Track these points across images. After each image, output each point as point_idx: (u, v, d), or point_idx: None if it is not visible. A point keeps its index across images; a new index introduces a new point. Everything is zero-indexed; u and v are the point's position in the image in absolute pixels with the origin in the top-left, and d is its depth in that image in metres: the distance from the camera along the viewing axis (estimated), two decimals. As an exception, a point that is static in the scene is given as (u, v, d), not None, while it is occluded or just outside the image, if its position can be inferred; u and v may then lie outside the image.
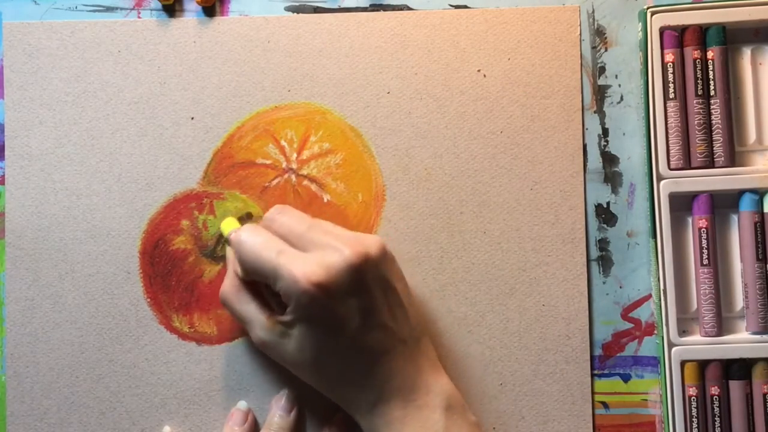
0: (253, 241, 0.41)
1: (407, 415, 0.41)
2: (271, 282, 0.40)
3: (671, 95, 0.46)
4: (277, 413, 0.46)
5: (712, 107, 0.46)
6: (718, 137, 0.46)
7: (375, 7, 0.48)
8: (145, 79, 0.48)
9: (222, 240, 0.47)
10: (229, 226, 0.45)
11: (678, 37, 0.46)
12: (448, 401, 0.42)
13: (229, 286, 0.43)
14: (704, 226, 0.46)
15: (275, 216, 0.43)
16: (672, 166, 0.46)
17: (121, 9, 0.48)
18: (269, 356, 0.43)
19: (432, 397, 0.41)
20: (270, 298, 0.43)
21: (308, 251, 0.40)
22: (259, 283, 0.43)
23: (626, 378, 0.47)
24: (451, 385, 0.43)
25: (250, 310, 0.43)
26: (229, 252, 0.44)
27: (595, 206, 0.48)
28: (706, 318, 0.46)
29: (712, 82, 0.46)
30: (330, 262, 0.39)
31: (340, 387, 0.42)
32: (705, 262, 0.46)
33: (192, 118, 0.48)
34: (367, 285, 0.40)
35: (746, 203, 0.46)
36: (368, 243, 0.41)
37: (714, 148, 0.46)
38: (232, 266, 0.44)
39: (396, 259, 0.43)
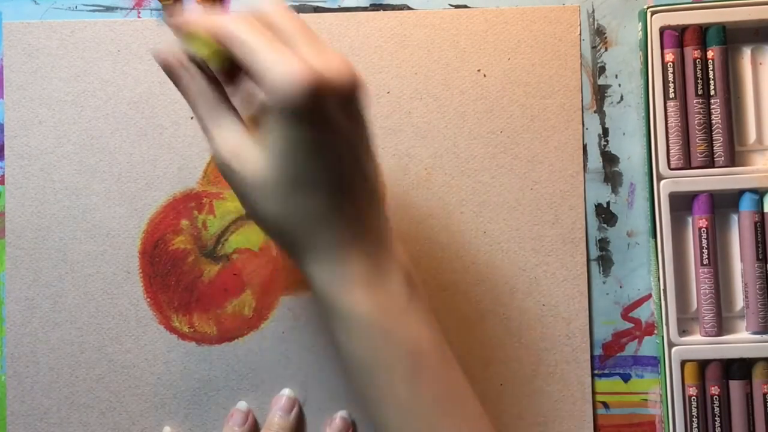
0: (245, 21, 0.34)
1: (372, 277, 0.36)
2: (262, 54, 0.33)
3: (671, 95, 0.46)
4: (277, 413, 0.46)
5: (712, 107, 0.46)
6: (718, 137, 0.46)
7: (375, 7, 0.48)
8: (145, 79, 0.48)
9: (221, 241, 0.47)
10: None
11: (678, 36, 0.46)
12: (408, 274, 0.37)
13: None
14: (704, 225, 0.46)
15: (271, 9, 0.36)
16: (672, 166, 0.46)
17: (121, 9, 0.48)
18: (228, 175, 0.35)
19: (396, 265, 0.36)
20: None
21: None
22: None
23: (626, 378, 0.47)
24: (410, 263, 0.38)
25: (217, 103, 0.36)
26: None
27: (595, 206, 0.48)
28: (706, 318, 0.46)
29: (712, 82, 0.46)
30: (340, 61, 0.33)
31: (308, 220, 0.35)
32: (705, 262, 0.46)
33: (192, 118, 0.48)
34: (360, 109, 0.35)
35: (746, 203, 0.46)
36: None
37: (714, 148, 0.46)
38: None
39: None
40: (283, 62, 0.32)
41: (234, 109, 0.36)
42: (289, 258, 0.37)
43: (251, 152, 0.34)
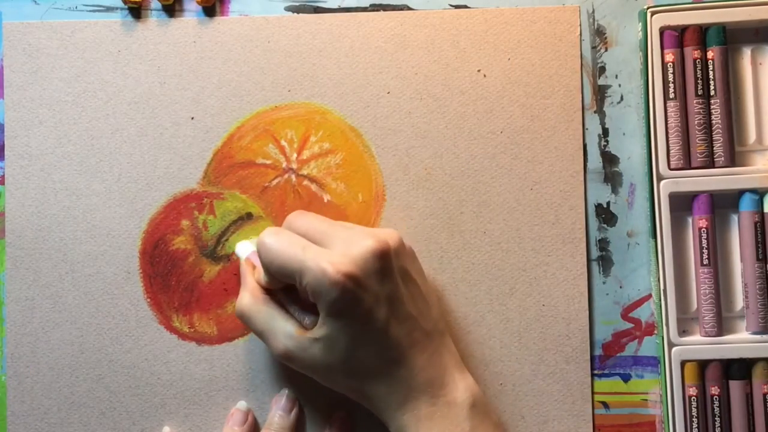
0: (277, 240, 0.41)
1: (436, 412, 0.41)
2: (298, 279, 0.40)
3: (671, 95, 0.46)
4: (277, 413, 0.46)
5: (712, 107, 0.46)
6: (718, 137, 0.46)
7: (375, 7, 0.48)
8: (145, 79, 0.48)
9: (221, 242, 0.47)
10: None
11: (678, 37, 0.46)
12: (473, 399, 0.42)
13: (249, 299, 0.43)
14: (704, 226, 0.46)
15: (295, 219, 0.44)
16: (672, 166, 0.46)
17: (121, 9, 0.48)
18: (291, 366, 0.43)
19: (459, 394, 0.42)
20: (293, 309, 0.43)
21: (330, 247, 0.41)
22: (280, 295, 0.43)
23: (626, 378, 0.47)
24: (475, 384, 0.43)
25: (275, 320, 0.42)
26: (244, 267, 0.45)
27: (595, 206, 0.48)
28: (706, 318, 0.46)
29: (712, 82, 0.46)
30: (355, 252, 0.40)
31: (370, 385, 0.41)
32: (705, 262, 0.46)
33: (192, 118, 0.48)
34: (391, 273, 0.41)
35: (746, 203, 0.46)
36: (386, 235, 0.42)
37: (714, 148, 0.46)
38: (251, 278, 0.44)
39: (416, 255, 0.45)
40: (315, 273, 0.39)
41: (289, 318, 0.42)
42: (359, 402, 0.43)
43: (305, 349, 0.41)
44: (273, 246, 0.41)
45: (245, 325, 0.44)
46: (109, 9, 0.48)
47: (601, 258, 0.48)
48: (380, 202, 0.48)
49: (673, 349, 0.45)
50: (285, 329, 0.42)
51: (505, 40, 0.48)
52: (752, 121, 0.47)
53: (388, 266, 0.41)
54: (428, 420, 0.41)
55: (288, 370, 0.46)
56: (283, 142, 0.48)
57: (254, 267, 0.44)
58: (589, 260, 0.47)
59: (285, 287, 0.43)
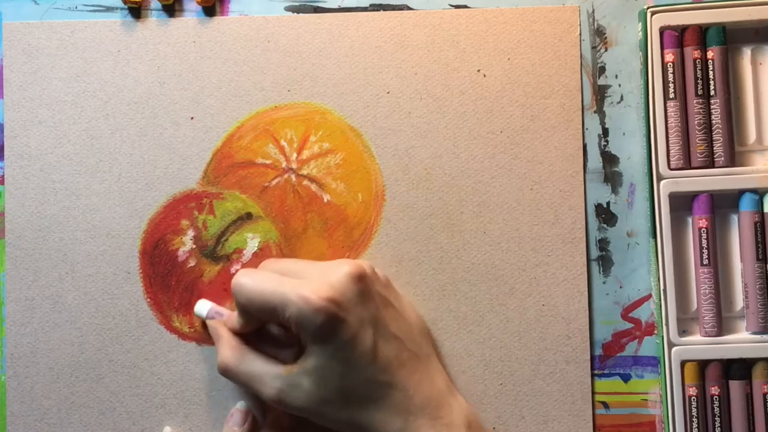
0: (253, 279, 0.41)
1: None
2: (280, 313, 0.40)
3: (671, 95, 0.46)
4: (277, 414, 0.46)
5: (712, 107, 0.46)
6: (718, 137, 0.46)
7: (375, 7, 0.48)
8: (145, 79, 0.48)
9: (221, 242, 0.47)
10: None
11: (678, 37, 0.46)
12: (468, 419, 0.43)
13: (228, 352, 0.43)
14: (704, 226, 0.46)
15: (268, 263, 0.45)
16: (672, 166, 0.46)
17: (121, 9, 0.48)
18: (286, 410, 0.42)
19: (455, 415, 0.42)
20: (267, 348, 0.43)
21: (307, 279, 0.41)
22: (252, 339, 0.44)
23: (626, 378, 0.47)
24: (467, 404, 0.44)
25: (259, 365, 0.42)
26: (212, 324, 0.45)
27: (595, 206, 0.48)
28: (706, 318, 0.46)
29: (712, 82, 0.46)
30: (333, 278, 0.40)
31: (368, 413, 0.41)
32: (705, 262, 0.46)
33: (192, 118, 0.48)
34: (371, 295, 0.41)
35: (746, 203, 0.46)
36: (359, 262, 0.42)
37: (714, 148, 0.46)
38: (225, 330, 0.44)
39: (391, 282, 0.45)
40: (297, 303, 0.39)
41: (270, 360, 0.42)
42: None
43: (296, 386, 0.41)
44: (250, 284, 0.41)
45: (231, 380, 0.43)
46: (109, 9, 0.48)
47: (601, 258, 0.48)
48: (380, 202, 0.48)
49: (673, 349, 0.45)
50: (271, 371, 0.42)
51: (505, 40, 0.48)
52: (752, 121, 0.47)
53: (367, 288, 0.41)
54: None
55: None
56: (282, 142, 0.48)
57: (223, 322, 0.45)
58: (589, 260, 0.47)
59: (254, 330, 0.44)
